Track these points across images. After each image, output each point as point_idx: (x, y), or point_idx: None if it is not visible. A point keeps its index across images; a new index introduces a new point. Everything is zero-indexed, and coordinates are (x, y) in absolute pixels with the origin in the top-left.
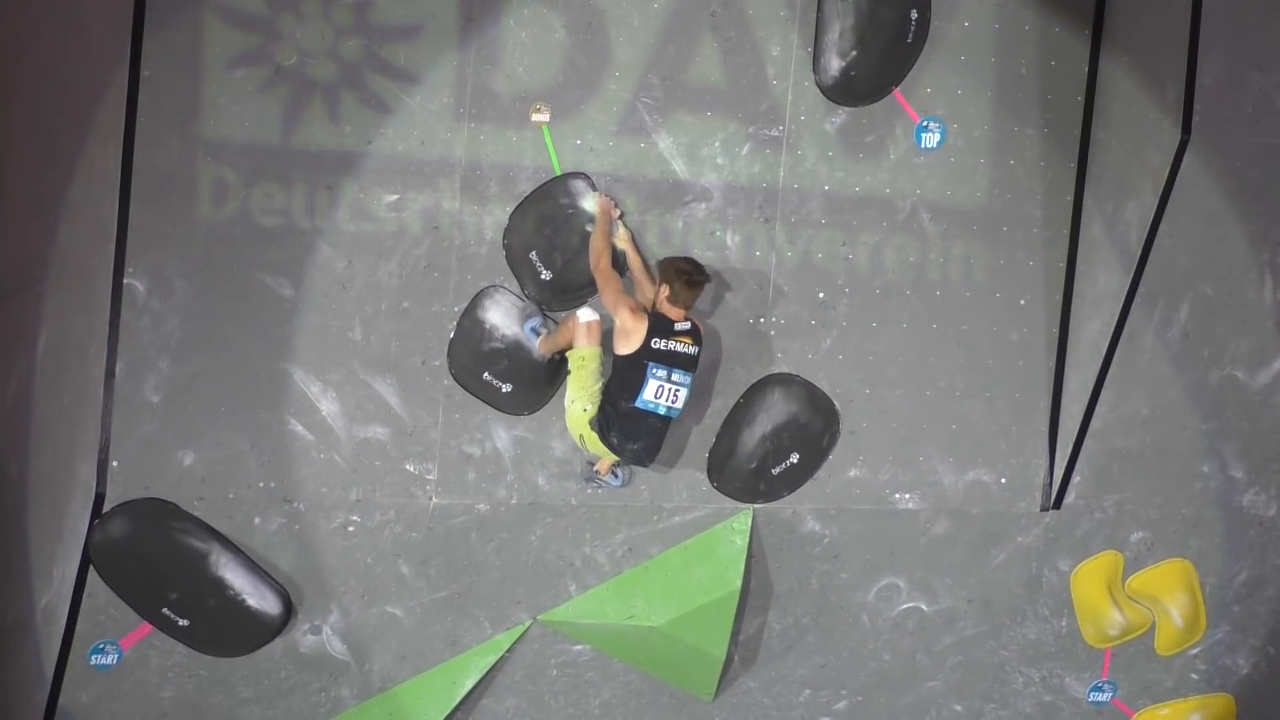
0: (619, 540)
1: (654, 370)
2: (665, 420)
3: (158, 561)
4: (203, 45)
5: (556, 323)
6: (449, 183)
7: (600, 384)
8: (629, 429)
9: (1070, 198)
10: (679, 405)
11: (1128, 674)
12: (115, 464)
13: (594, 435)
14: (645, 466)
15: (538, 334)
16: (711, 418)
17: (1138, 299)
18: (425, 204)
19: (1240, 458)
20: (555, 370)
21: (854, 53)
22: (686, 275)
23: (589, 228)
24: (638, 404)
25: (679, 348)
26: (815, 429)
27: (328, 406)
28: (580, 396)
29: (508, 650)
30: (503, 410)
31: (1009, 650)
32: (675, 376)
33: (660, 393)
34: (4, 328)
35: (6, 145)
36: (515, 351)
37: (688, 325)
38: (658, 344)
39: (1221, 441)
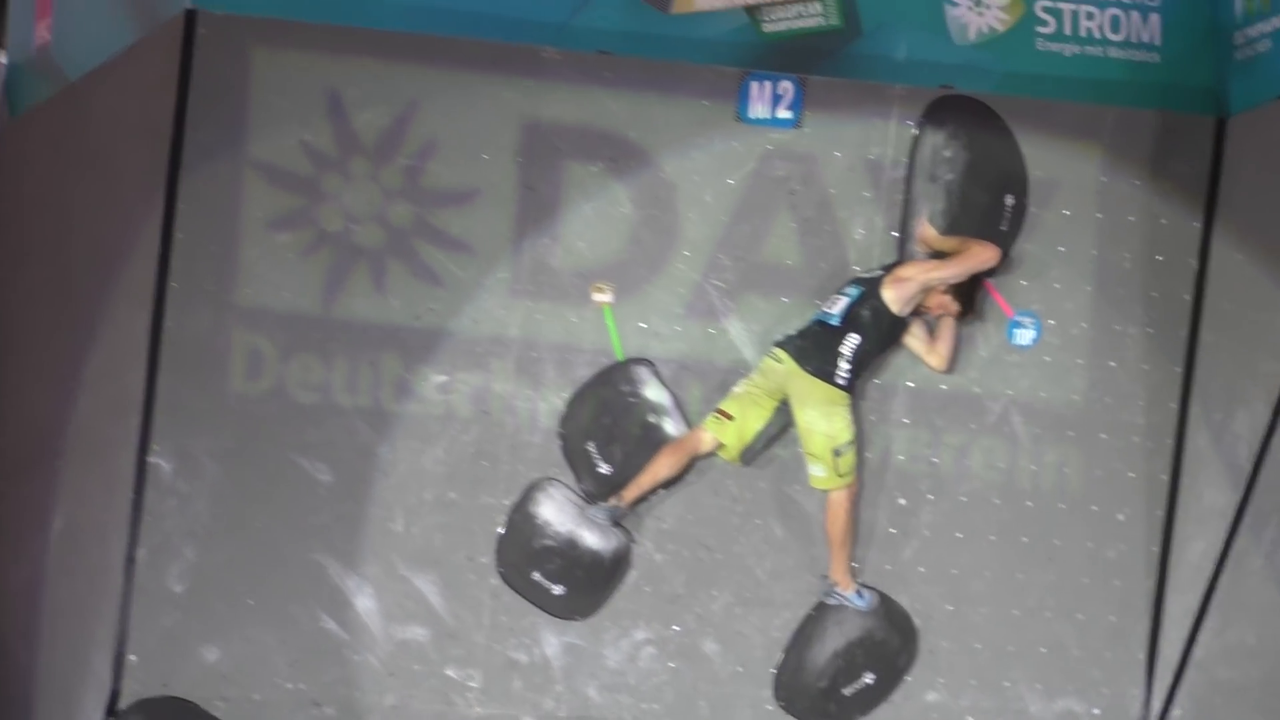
0: None
1: None
2: None
3: None
4: (241, 205)
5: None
6: (502, 364)
7: None
8: None
9: (1175, 404)
10: None
11: None
12: (133, 658)
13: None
14: None
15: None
16: (779, 630)
17: (1246, 518)
18: (475, 386)
19: None
20: (611, 573)
21: None
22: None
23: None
24: None
25: None
26: (892, 647)
27: (364, 603)
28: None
29: None
30: (553, 614)
31: None
32: None
33: None
34: (18, 505)
35: (25, 306)
36: (569, 550)
37: None
38: None
39: None
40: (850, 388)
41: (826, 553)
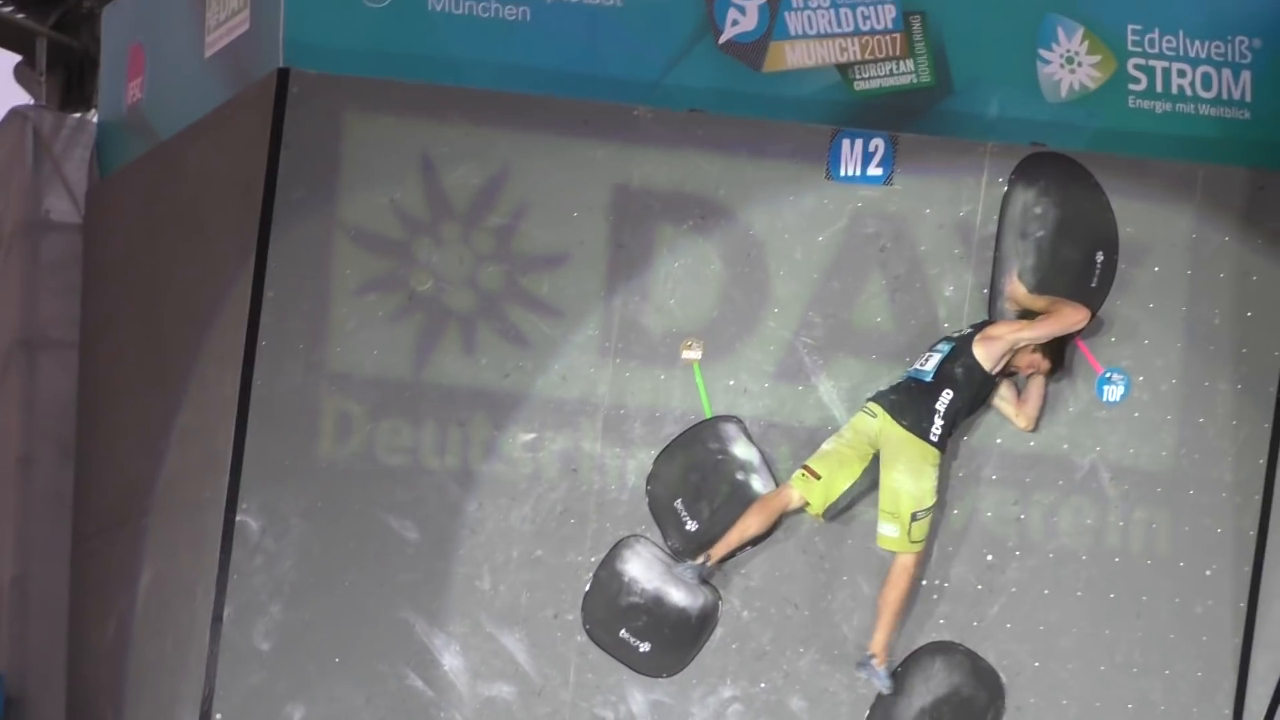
0: None
1: None
2: None
3: None
4: (332, 266)
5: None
6: (590, 423)
7: None
8: None
9: (1263, 460)
10: None
11: None
12: (219, 716)
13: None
14: None
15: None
16: (865, 687)
17: None
18: (564, 445)
19: None
20: (698, 630)
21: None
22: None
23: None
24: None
25: None
26: (979, 703)
27: (450, 661)
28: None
29: None
30: (640, 671)
31: None
32: None
33: None
34: (106, 561)
35: (117, 364)
36: (655, 607)
37: None
38: None
39: None
40: (942, 445)
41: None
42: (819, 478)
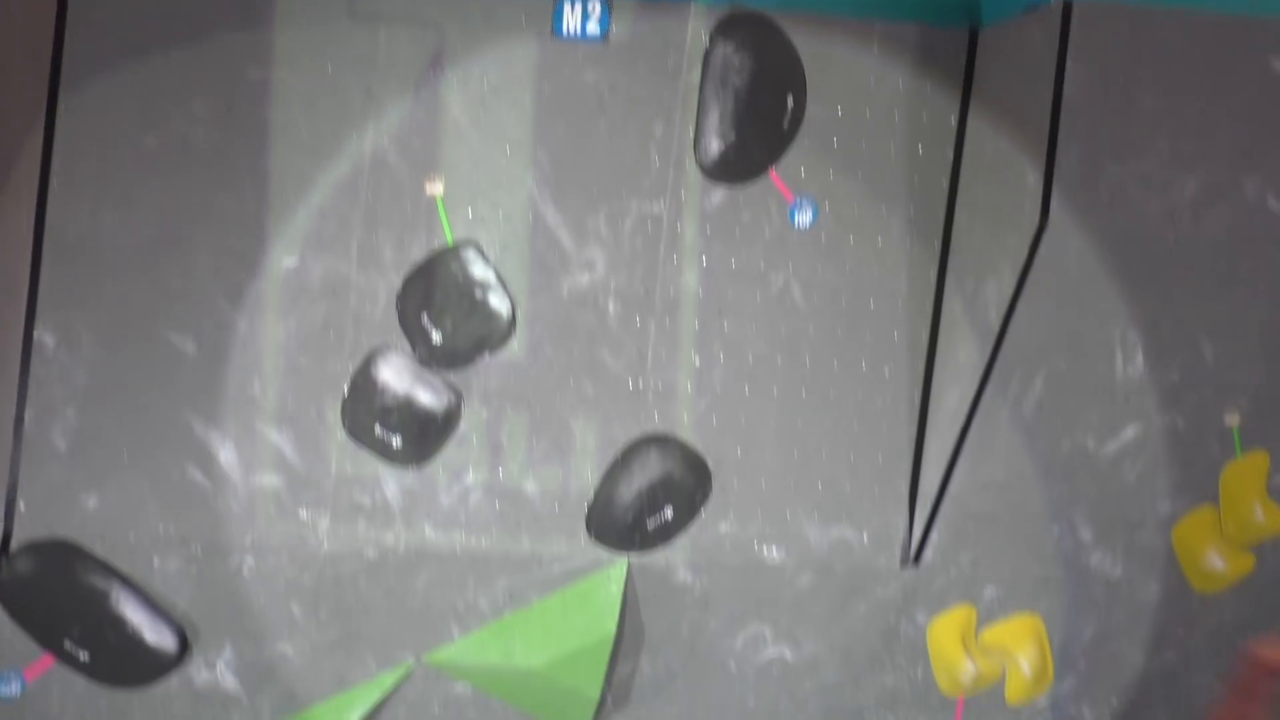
0: (500, 587)
1: None
2: None
3: (61, 598)
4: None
5: None
6: (346, 248)
7: None
8: None
9: (933, 275)
10: None
11: None
12: (22, 506)
13: None
14: None
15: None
16: (591, 474)
17: (995, 372)
18: (324, 268)
19: (1088, 521)
20: (443, 427)
21: (732, 135)
22: None
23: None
24: None
25: None
26: (689, 486)
27: (226, 456)
28: None
29: (392, 688)
30: (393, 463)
31: (867, 697)
32: None
33: None
34: None
35: None
36: (406, 408)
37: None
38: None
39: (1071, 506)
40: None
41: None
42: None
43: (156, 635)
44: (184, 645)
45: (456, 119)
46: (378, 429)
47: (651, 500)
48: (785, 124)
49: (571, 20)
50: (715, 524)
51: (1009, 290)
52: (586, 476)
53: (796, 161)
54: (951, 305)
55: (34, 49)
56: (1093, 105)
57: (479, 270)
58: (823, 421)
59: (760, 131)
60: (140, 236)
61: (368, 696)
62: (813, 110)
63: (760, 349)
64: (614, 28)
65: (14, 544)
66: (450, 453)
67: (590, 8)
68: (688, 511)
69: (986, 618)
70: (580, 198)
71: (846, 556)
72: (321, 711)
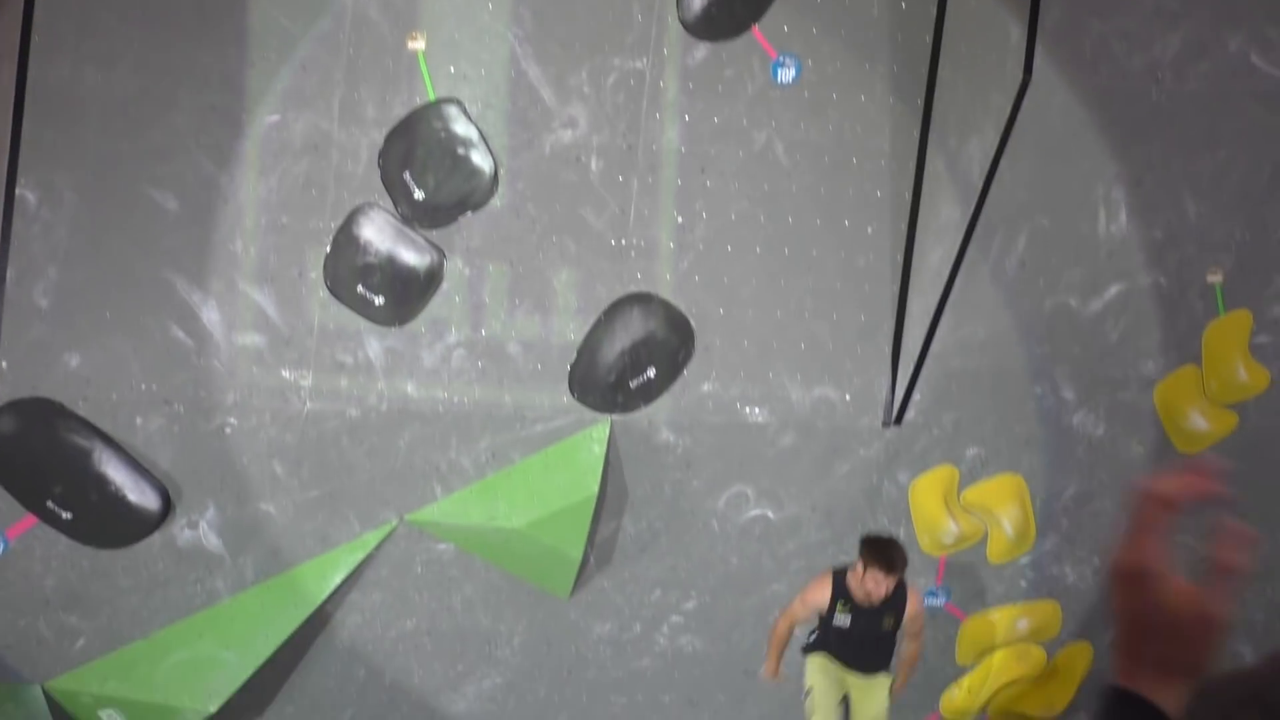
0: (483, 446)
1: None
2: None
3: (43, 457)
4: None
5: None
6: (328, 105)
7: None
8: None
9: (916, 133)
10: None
11: (960, 581)
12: (4, 364)
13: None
14: None
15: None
16: (574, 333)
17: (978, 230)
18: (305, 125)
19: (1071, 380)
20: (425, 285)
21: None
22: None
23: None
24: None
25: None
26: (671, 345)
27: (208, 315)
28: None
29: (375, 548)
30: (375, 321)
31: (849, 556)
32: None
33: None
34: None
35: None
36: (388, 266)
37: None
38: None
39: (1053, 365)
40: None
41: None
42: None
43: (139, 494)
44: (166, 505)
45: None
46: (360, 288)
47: (634, 360)
48: None
49: None
50: (698, 384)
51: (992, 147)
52: (569, 335)
53: (779, 18)
54: (934, 163)
55: None
56: None
57: (461, 127)
58: (805, 280)
59: None
60: (122, 93)
61: (351, 556)
62: None
63: (742, 206)
64: None
65: None
66: (433, 311)
67: None
68: (670, 371)
69: (969, 477)
70: (562, 54)
71: (829, 416)
72: (305, 571)
